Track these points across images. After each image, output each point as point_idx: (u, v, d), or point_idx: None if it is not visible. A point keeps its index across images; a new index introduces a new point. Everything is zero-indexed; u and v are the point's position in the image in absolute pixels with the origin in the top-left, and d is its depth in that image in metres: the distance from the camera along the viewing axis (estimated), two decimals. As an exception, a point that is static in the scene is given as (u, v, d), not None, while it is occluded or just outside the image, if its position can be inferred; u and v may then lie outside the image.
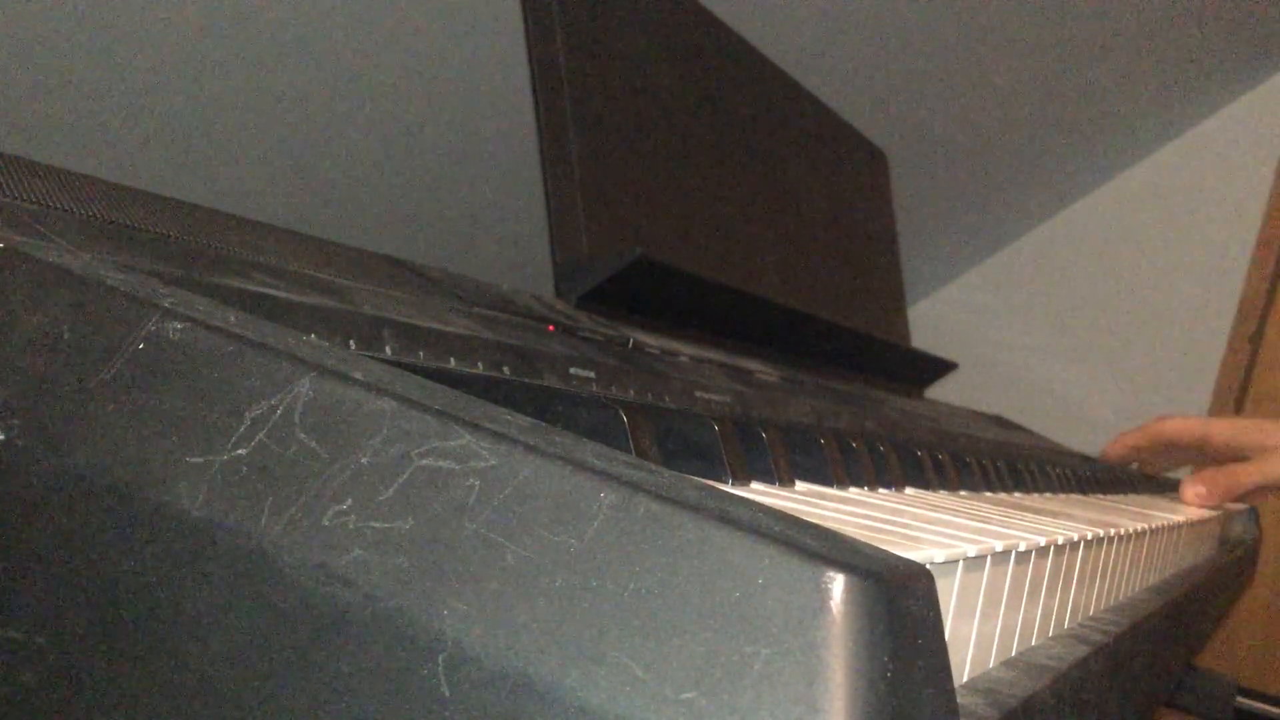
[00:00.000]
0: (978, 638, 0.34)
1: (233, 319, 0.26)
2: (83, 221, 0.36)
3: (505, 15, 1.14)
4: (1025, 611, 0.39)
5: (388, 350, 0.38)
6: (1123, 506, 0.77)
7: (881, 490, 0.51)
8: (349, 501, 0.22)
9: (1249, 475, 1.00)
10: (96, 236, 0.34)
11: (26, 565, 0.25)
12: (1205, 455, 1.13)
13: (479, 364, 0.42)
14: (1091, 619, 0.49)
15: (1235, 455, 1.07)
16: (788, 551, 0.19)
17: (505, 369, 0.43)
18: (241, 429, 0.24)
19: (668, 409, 0.43)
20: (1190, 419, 1.12)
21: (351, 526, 0.22)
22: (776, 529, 0.20)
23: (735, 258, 0.90)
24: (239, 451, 0.24)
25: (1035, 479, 0.73)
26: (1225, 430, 1.07)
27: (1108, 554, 0.51)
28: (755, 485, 0.41)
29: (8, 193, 0.36)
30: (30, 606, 0.25)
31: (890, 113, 1.65)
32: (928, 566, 0.22)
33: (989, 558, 0.34)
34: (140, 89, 1.08)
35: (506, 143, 1.32)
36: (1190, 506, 0.96)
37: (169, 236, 0.39)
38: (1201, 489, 0.98)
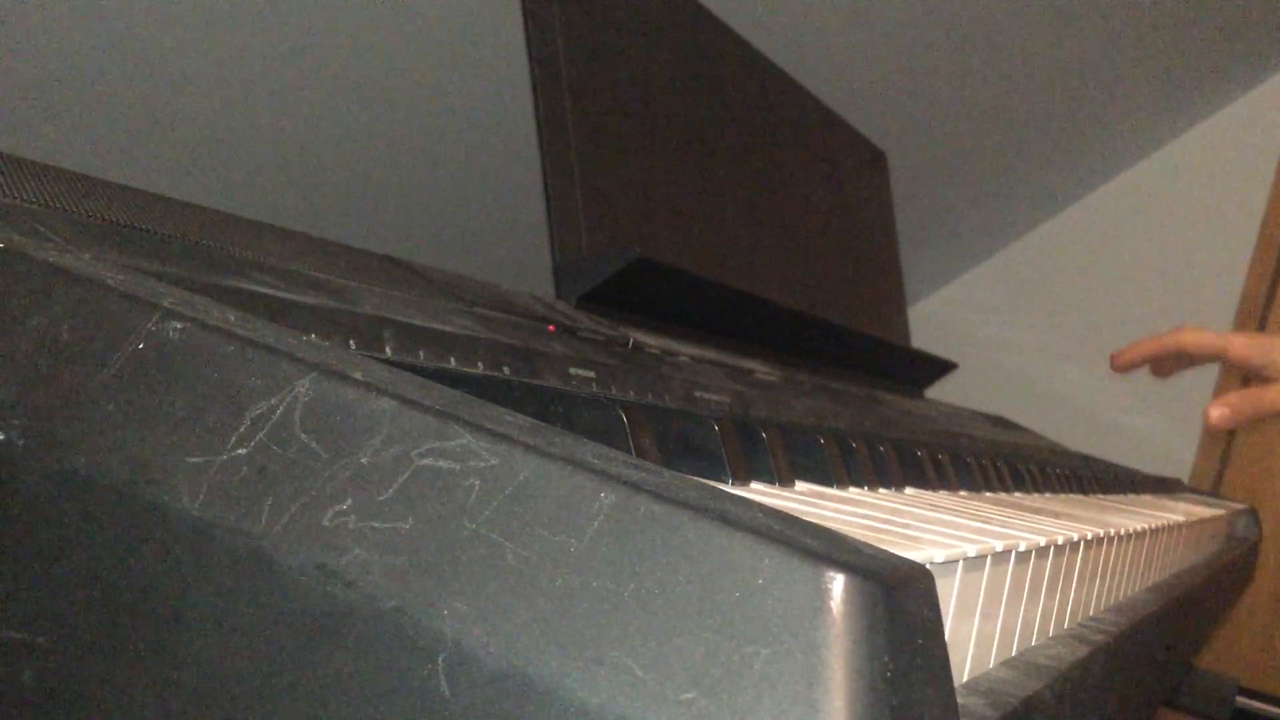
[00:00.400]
0: (978, 637, 0.34)
1: (233, 319, 0.26)
2: (83, 221, 0.36)
3: (505, 16, 1.15)
4: (1025, 611, 0.39)
5: (388, 350, 0.38)
6: (1123, 506, 0.77)
7: (881, 490, 0.51)
8: (349, 501, 0.22)
9: (1273, 398, 0.99)
10: (96, 236, 0.34)
11: (26, 565, 0.25)
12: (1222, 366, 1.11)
13: (479, 364, 0.42)
14: (1091, 619, 0.49)
15: (1254, 372, 1.06)
16: (788, 551, 0.19)
17: (505, 369, 0.43)
18: (241, 429, 0.24)
19: (668, 409, 0.43)
20: (1209, 333, 1.10)
21: (351, 526, 0.22)
22: (776, 529, 0.20)
23: (735, 258, 0.90)
24: (239, 451, 0.24)
25: (1035, 479, 0.73)
26: (1244, 346, 1.05)
27: (1108, 554, 0.51)
28: (755, 485, 0.41)
29: (8, 193, 0.36)
30: (30, 606, 0.25)
31: (890, 113, 1.65)
32: (928, 566, 0.22)
33: (989, 558, 0.34)
34: (141, 89, 1.08)
35: (506, 143, 1.32)
36: (1214, 427, 0.95)
37: (169, 236, 0.39)
38: (1226, 411, 0.97)
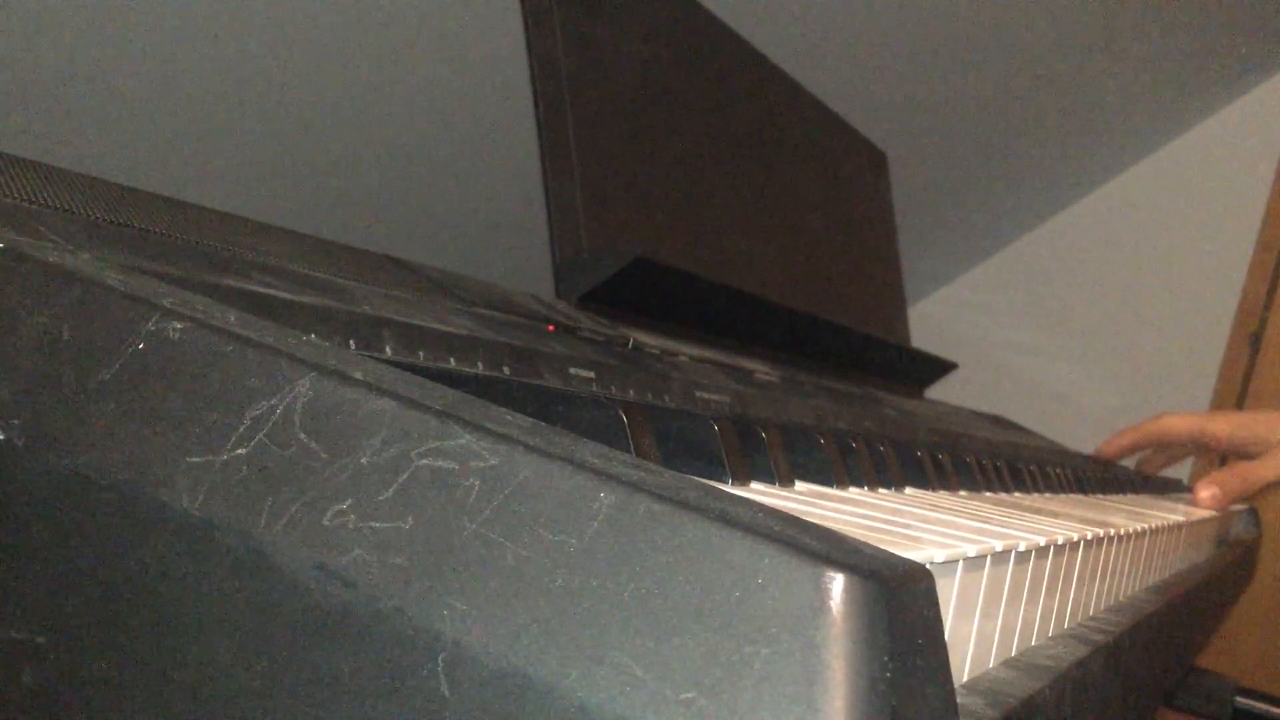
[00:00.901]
0: (978, 637, 0.34)
1: (233, 319, 0.26)
2: (83, 221, 0.36)
3: (505, 15, 1.15)
4: (1025, 611, 0.39)
5: (388, 350, 0.38)
6: (1123, 507, 0.77)
7: (881, 490, 0.51)
8: (349, 501, 0.22)
9: (1260, 473, 1.00)
10: (96, 236, 0.34)
11: (26, 565, 0.25)
12: (1206, 451, 1.13)
13: (479, 364, 0.42)
14: (1091, 619, 0.49)
15: (1238, 450, 1.07)
16: (788, 551, 0.19)
17: (505, 369, 0.43)
18: (241, 429, 0.24)
19: (668, 409, 0.43)
20: (1187, 416, 1.11)
21: (351, 526, 0.22)
22: (776, 529, 0.20)
23: (735, 258, 0.90)
24: (239, 451, 0.24)
25: (1035, 479, 0.73)
26: (1224, 427, 1.07)
27: (1107, 554, 0.51)
28: (755, 485, 0.41)
29: (8, 193, 0.36)
30: (31, 606, 0.25)
31: (890, 113, 1.65)
32: (928, 566, 0.22)
33: (989, 558, 0.34)
34: (141, 89, 1.08)
35: (506, 143, 1.32)
36: (1204, 509, 0.96)
37: (169, 236, 0.39)
38: (1216, 490, 0.97)
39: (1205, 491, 0.98)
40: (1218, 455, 1.12)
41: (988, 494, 0.62)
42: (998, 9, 1.57)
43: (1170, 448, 1.15)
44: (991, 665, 0.36)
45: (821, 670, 0.18)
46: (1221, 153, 2.13)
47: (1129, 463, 1.25)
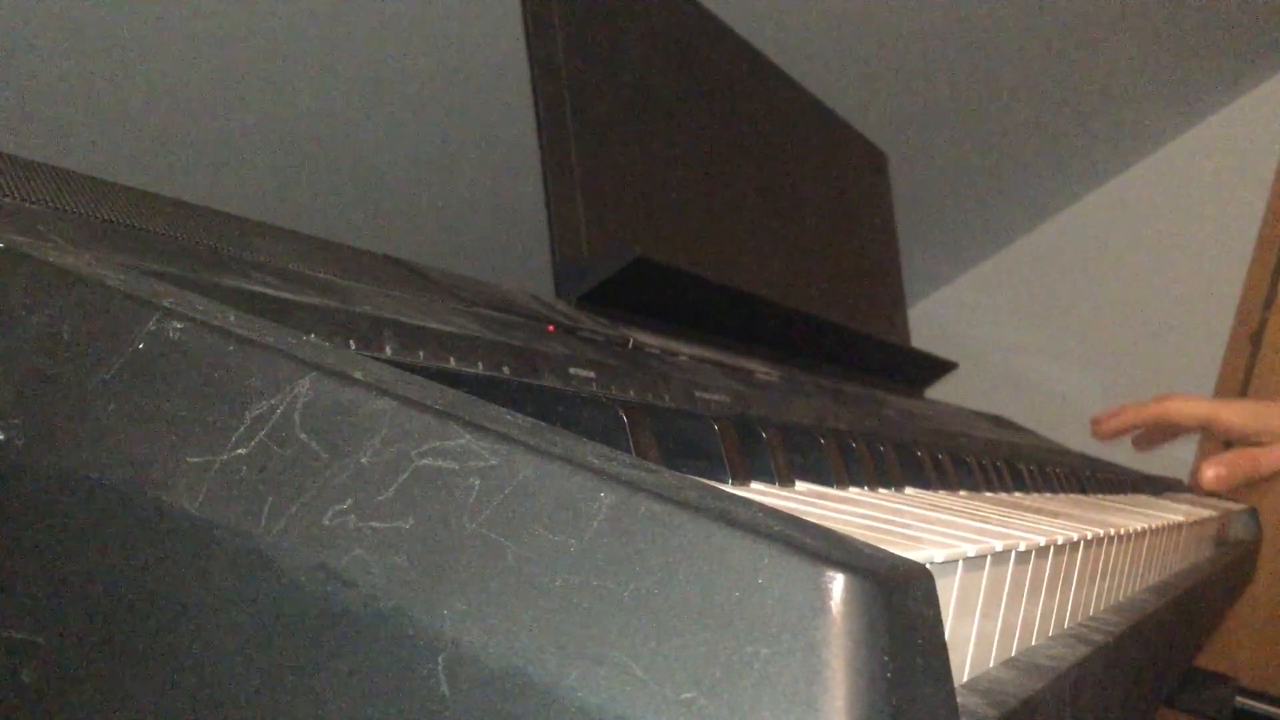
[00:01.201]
0: (978, 637, 0.34)
1: (233, 319, 0.26)
2: (83, 221, 0.36)
3: (505, 15, 1.15)
4: (1025, 611, 0.39)
5: (388, 350, 0.38)
6: (1123, 506, 0.77)
7: (881, 490, 0.51)
8: (349, 501, 0.22)
9: (1270, 460, 0.99)
10: (96, 236, 0.34)
11: (26, 565, 0.25)
12: (1212, 435, 1.11)
13: (479, 364, 0.42)
14: (1091, 619, 0.49)
15: (1246, 439, 1.06)
16: (788, 551, 0.19)
17: (505, 369, 0.43)
18: (241, 429, 0.24)
19: (668, 409, 0.43)
20: (1196, 401, 1.09)
21: (351, 526, 0.22)
22: (776, 529, 0.20)
23: (735, 258, 0.90)
24: (239, 451, 0.24)
25: (1035, 479, 0.73)
26: (1235, 414, 1.05)
27: (1108, 554, 0.51)
28: (755, 485, 0.41)
29: (8, 193, 0.36)
30: (30, 606, 0.25)
31: (890, 113, 1.65)
32: (928, 566, 0.22)
33: (989, 558, 0.34)
34: (141, 89, 1.08)
35: (506, 143, 1.32)
36: (1207, 487, 0.95)
37: (169, 236, 0.39)
38: (1222, 471, 0.96)
39: (1211, 471, 0.97)
40: (1223, 442, 1.10)
41: (988, 494, 0.62)
42: (998, 10, 1.57)
43: (1174, 430, 1.13)
44: (991, 665, 0.36)
45: (821, 670, 0.18)
46: (1221, 153, 2.13)
47: (1124, 442, 1.23)
